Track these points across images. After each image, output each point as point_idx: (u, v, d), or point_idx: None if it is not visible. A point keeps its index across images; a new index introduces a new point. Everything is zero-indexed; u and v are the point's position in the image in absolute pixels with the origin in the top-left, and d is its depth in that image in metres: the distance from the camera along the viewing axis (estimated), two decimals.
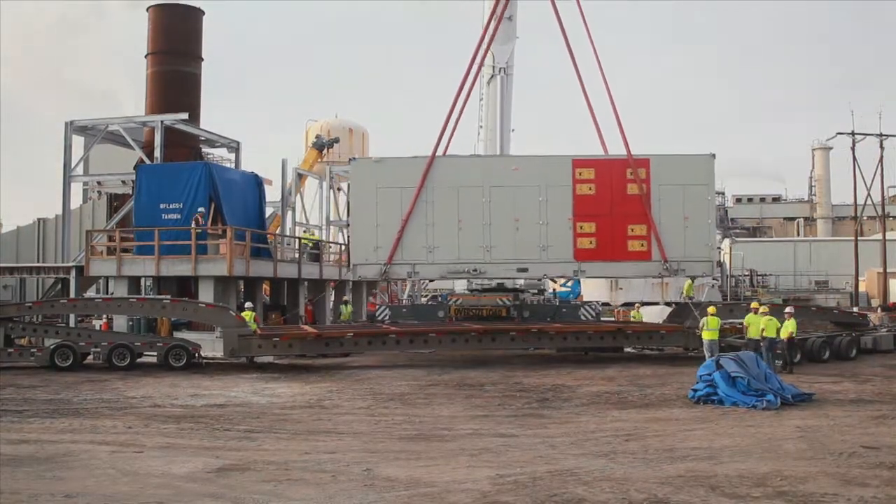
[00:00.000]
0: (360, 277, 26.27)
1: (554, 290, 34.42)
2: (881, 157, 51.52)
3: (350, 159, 28.07)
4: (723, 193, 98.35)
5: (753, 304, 22.43)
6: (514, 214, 24.49)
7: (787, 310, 22.93)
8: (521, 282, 29.67)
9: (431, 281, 34.59)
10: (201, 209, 25.84)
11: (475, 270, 24.94)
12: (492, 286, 29.51)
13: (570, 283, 39.66)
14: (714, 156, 23.72)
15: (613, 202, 24.24)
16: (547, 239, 24.48)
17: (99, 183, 45.45)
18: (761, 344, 20.49)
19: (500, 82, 27.88)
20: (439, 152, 25.42)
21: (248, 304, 24.82)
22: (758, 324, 20.75)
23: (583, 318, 27.71)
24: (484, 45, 27.24)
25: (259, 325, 23.72)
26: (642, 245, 24.03)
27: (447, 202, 24.62)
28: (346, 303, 30.87)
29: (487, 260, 24.73)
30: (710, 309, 21.60)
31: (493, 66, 28.05)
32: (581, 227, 24.35)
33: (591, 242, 24.36)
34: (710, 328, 21.05)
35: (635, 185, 24.03)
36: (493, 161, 25.98)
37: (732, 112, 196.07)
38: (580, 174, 24.46)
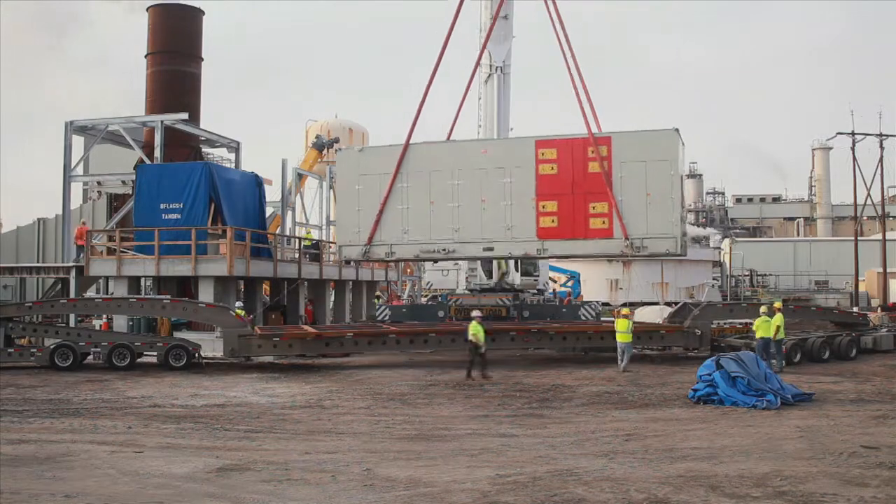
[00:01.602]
0: (346, 258, 27.61)
1: (554, 290, 34.47)
2: (881, 157, 51.55)
3: (336, 150, 29.12)
4: (723, 193, 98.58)
5: (777, 304, 22.45)
6: (482, 196, 25.06)
7: (763, 309, 22.96)
8: (518, 281, 29.72)
9: (429, 269, 34.60)
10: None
11: (444, 250, 25.69)
12: (490, 286, 29.60)
13: (570, 283, 39.73)
14: (677, 130, 23.25)
15: (575, 181, 24.21)
16: (511, 219, 24.80)
17: (99, 183, 45.47)
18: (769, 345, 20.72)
19: (498, 81, 27.85)
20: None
21: (238, 304, 25.01)
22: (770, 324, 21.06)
23: (583, 318, 27.75)
24: (483, 44, 27.23)
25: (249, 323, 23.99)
26: (604, 223, 23.81)
27: (420, 186, 25.62)
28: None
29: (456, 240, 25.45)
30: (624, 311, 21.40)
31: (491, 65, 27.99)
32: (543, 207, 24.49)
33: (553, 221, 24.44)
34: (619, 330, 21.01)
35: (597, 163, 23.89)
36: (462, 145, 26.19)
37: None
38: (542, 154, 24.66)
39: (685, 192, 25.28)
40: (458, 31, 28.10)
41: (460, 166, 25.29)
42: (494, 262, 29.68)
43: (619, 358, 21.47)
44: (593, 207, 23.91)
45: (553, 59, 25.28)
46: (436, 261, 31.18)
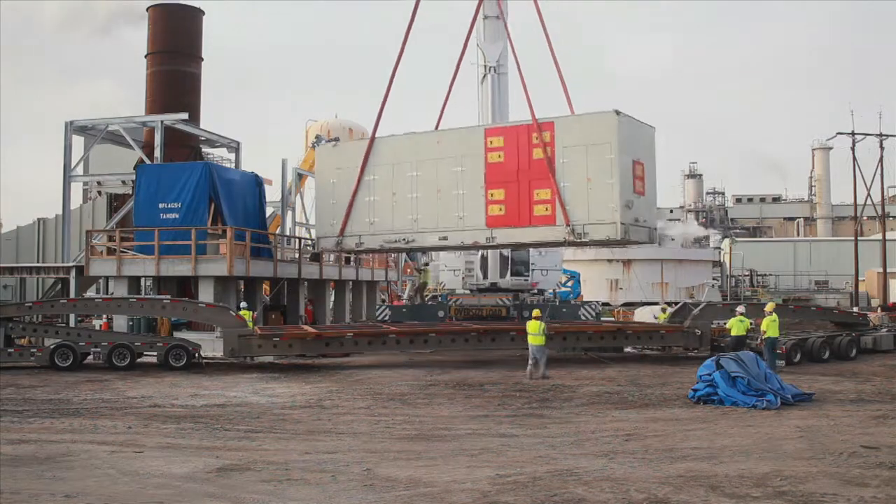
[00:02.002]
0: (323, 249, 28.70)
1: (554, 290, 34.43)
2: (881, 157, 51.53)
3: (313, 145, 29.43)
4: (723, 193, 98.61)
5: (535, 312, 21.04)
6: (437, 186, 25.40)
7: (739, 308, 22.91)
8: (511, 281, 29.70)
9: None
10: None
11: (405, 240, 26.25)
12: (486, 286, 29.63)
13: (570, 284, 39.70)
14: (618, 112, 22.56)
15: (520, 168, 24.05)
16: (463, 208, 24.99)
17: (99, 183, 45.48)
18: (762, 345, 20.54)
19: (492, 81, 27.85)
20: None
21: (242, 304, 24.99)
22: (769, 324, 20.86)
23: (583, 318, 27.75)
24: (465, 41, 27.16)
25: (256, 323, 24.11)
26: (547, 209, 23.50)
27: (384, 178, 26.31)
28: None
29: (415, 230, 25.93)
30: (535, 312, 20.94)
31: (485, 66, 27.99)
32: (492, 195, 24.49)
33: (500, 209, 24.40)
34: (531, 332, 20.05)
35: (540, 149, 23.60)
36: (421, 137, 26.41)
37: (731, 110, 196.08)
38: (491, 142, 24.68)
39: (654, 182, 24.26)
40: (456, 31, 28.11)
41: (419, 158, 25.78)
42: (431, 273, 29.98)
43: (532, 362, 19.98)
44: (537, 194, 23.67)
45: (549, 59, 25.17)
46: (397, 252, 31.37)
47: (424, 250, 29.85)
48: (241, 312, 23.48)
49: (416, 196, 25.75)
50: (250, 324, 22.93)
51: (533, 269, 32.09)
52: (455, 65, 26.95)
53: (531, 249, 29.44)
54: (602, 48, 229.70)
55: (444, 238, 25.58)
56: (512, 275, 29.82)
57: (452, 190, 25.06)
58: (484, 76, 28.06)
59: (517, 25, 28.94)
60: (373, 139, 26.58)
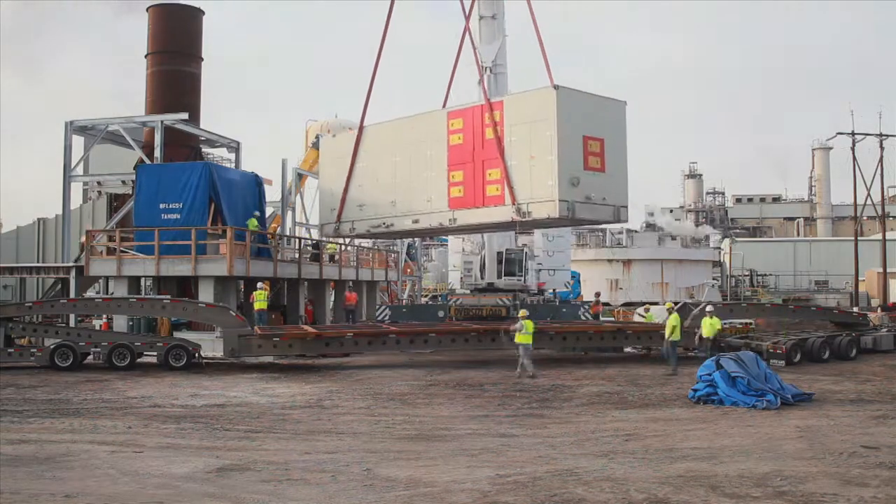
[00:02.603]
0: (325, 235, 29.93)
1: (554, 290, 34.45)
2: (881, 157, 51.51)
3: (313, 144, 30.01)
4: (723, 193, 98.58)
5: (522, 313, 21.29)
6: (411, 170, 25.77)
7: (708, 308, 22.88)
8: (504, 282, 29.71)
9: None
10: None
11: (385, 224, 26.75)
12: (483, 286, 29.65)
13: (570, 284, 39.71)
14: (556, 87, 22.13)
15: (475, 149, 24.06)
16: (431, 191, 25.24)
17: (99, 183, 45.47)
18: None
19: (489, 81, 27.91)
20: None
21: (259, 284, 25.29)
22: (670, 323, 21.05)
23: (583, 318, 27.75)
24: (460, 41, 27.39)
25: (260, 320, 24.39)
26: (497, 189, 23.36)
27: (371, 164, 27.04)
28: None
29: (394, 214, 26.38)
30: (522, 312, 21.10)
31: (481, 65, 28.00)
32: (453, 177, 24.67)
33: (460, 191, 24.52)
34: (526, 332, 20.17)
35: (491, 129, 23.48)
36: (400, 123, 26.69)
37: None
38: (452, 125, 24.83)
39: (614, 164, 23.19)
40: (454, 31, 28.16)
41: (398, 143, 26.27)
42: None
43: (521, 362, 20.10)
44: (489, 174, 23.64)
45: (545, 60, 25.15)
46: (381, 237, 31.65)
47: (402, 235, 30.42)
48: (257, 294, 24.53)
49: (394, 181, 26.31)
50: (264, 304, 24.32)
51: (540, 269, 32.06)
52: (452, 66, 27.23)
53: (533, 249, 29.48)
54: (602, 49, 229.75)
55: (417, 221, 25.89)
56: (504, 275, 29.73)
57: (423, 173, 25.44)
58: (481, 77, 28.08)
59: (511, 25, 29.06)
60: (361, 128, 27.28)
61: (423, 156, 25.40)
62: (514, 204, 22.73)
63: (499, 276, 29.56)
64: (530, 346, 20.22)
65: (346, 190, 27.55)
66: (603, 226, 27.17)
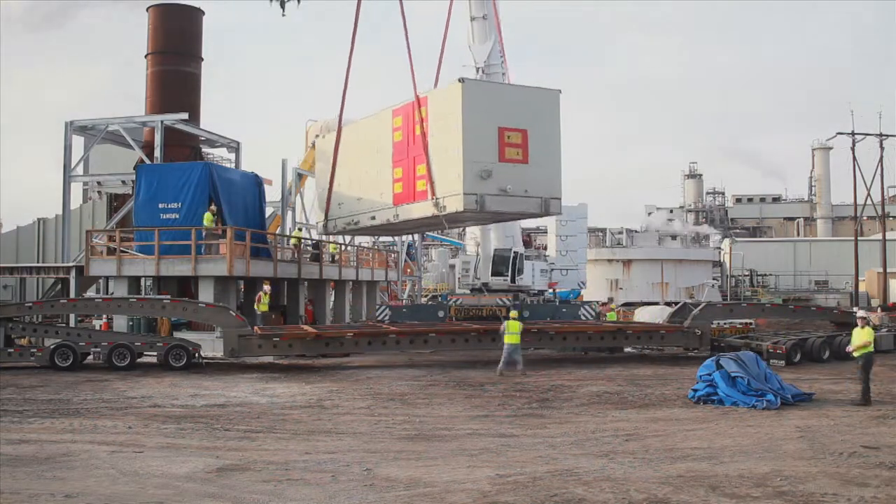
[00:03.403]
0: (319, 234, 30.65)
1: (554, 290, 34.42)
2: (881, 157, 51.56)
3: (313, 144, 30.86)
4: (723, 193, 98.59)
5: (513, 314, 21.41)
6: (371, 168, 26.20)
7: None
8: (491, 282, 29.72)
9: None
10: (213, 207, 26.43)
11: (353, 222, 27.34)
12: (478, 286, 29.67)
13: (583, 284, 39.65)
14: (462, 80, 21.94)
15: (409, 145, 24.20)
16: (383, 188, 25.59)
17: (99, 183, 45.44)
18: None
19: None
20: None
21: (266, 288, 25.26)
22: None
23: (583, 318, 27.75)
24: (443, 38, 27.55)
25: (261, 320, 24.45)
26: (423, 185, 23.41)
27: (346, 164, 27.56)
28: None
29: (360, 211, 26.78)
30: (512, 313, 21.17)
31: (475, 66, 28.07)
32: (395, 174, 24.97)
33: (400, 187, 24.79)
34: (509, 332, 20.31)
35: (419, 125, 23.54)
36: (366, 121, 27.00)
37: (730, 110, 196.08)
38: (395, 123, 25.03)
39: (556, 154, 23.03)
40: (462, 33, 28.33)
41: (362, 142, 26.73)
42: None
43: (505, 360, 20.30)
44: (419, 170, 23.74)
45: (547, 61, 25.30)
46: (351, 233, 31.93)
47: (367, 232, 30.89)
48: (262, 297, 24.61)
49: (359, 179, 26.81)
50: (265, 307, 24.46)
51: (552, 269, 32.04)
52: (458, 67, 27.41)
53: (541, 249, 29.56)
54: (600, 48, 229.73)
55: (374, 218, 26.23)
56: (492, 275, 29.70)
57: (378, 170, 25.87)
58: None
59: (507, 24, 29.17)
60: (339, 128, 27.69)
61: (377, 153, 25.88)
62: (433, 198, 22.85)
63: (492, 276, 29.61)
64: (512, 346, 20.43)
65: (329, 189, 28.24)
66: (529, 219, 27.12)
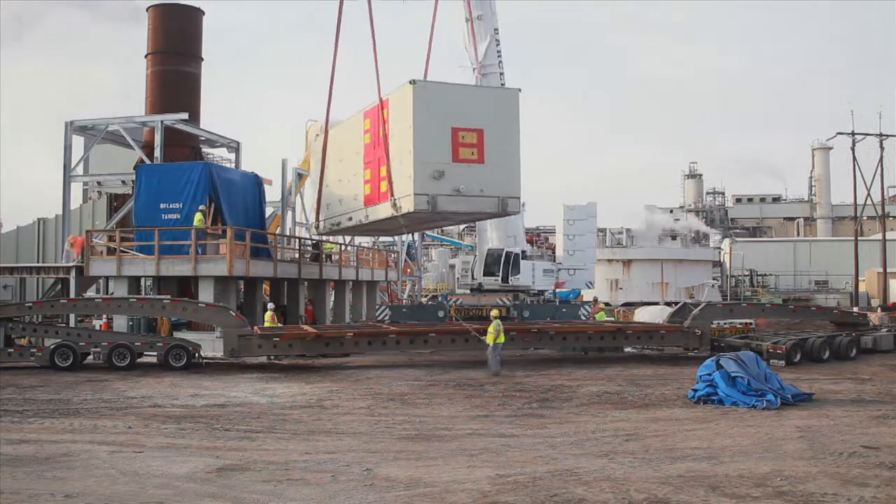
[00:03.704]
0: (316, 234, 30.68)
1: (554, 290, 34.40)
2: (881, 157, 51.57)
3: (316, 136, 30.68)
4: (723, 193, 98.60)
5: (494, 313, 21.62)
6: (348, 169, 26.39)
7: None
8: (484, 281, 29.73)
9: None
10: (202, 206, 26.10)
11: (336, 224, 27.55)
12: (475, 286, 29.68)
13: (591, 283, 39.61)
14: (413, 82, 21.86)
15: (375, 147, 24.33)
16: (356, 189, 25.83)
17: (99, 183, 45.45)
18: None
19: (477, 82, 27.93)
20: None
21: (270, 305, 25.55)
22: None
23: (582, 317, 27.75)
24: (430, 37, 27.34)
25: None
26: (385, 186, 23.62)
27: (332, 166, 27.71)
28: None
29: (341, 212, 26.97)
30: (494, 312, 21.21)
31: (471, 67, 28.13)
32: (366, 175, 25.16)
33: (368, 188, 25.03)
34: (491, 331, 20.63)
35: (382, 127, 23.64)
36: (347, 123, 27.07)
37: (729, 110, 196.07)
38: (366, 125, 25.17)
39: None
40: (454, 30, 28.35)
41: (343, 143, 26.90)
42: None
43: (492, 361, 20.86)
44: (382, 171, 23.85)
45: (546, 64, 25.37)
46: (334, 233, 32.04)
47: (346, 232, 31.23)
48: (266, 315, 24.57)
49: (340, 180, 27.07)
50: (269, 323, 24.13)
51: (559, 269, 32.00)
52: (457, 66, 27.44)
53: (545, 249, 29.59)
54: (600, 49, 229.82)
55: (350, 219, 26.50)
56: (484, 275, 29.67)
57: (354, 172, 26.09)
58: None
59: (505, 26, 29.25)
60: (326, 129, 27.73)
61: (356, 155, 26.07)
62: (392, 199, 22.96)
63: (484, 276, 29.62)
64: (492, 345, 20.79)
65: (319, 190, 28.55)
66: (491, 218, 27.12)
